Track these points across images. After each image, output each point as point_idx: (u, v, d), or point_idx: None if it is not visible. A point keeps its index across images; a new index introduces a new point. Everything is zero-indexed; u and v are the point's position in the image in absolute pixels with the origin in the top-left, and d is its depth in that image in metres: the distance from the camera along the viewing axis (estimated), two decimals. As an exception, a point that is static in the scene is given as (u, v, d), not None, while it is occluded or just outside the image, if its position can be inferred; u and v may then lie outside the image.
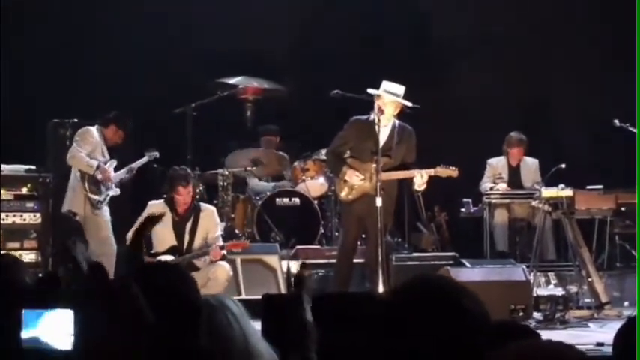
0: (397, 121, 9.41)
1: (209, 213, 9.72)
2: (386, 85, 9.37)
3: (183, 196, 9.55)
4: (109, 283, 2.91)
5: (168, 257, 9.35)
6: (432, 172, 9.41)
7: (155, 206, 9.62)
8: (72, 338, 2.82)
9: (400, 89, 9.37)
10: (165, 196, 9.80)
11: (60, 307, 2.86)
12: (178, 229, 9.55)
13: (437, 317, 2.35)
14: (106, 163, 10.58)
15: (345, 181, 9.46)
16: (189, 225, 9.57)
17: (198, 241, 9.53)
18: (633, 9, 12.07)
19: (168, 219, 9.50)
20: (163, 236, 9.49)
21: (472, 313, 2.37)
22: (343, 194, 9.53)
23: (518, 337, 2.87)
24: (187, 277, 3.15)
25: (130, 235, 8.65)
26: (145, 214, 9.64)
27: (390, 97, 9.28)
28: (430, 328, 2.33)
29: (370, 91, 9.38)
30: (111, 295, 2.81)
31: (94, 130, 10.65)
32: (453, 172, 9.48)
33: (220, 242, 9.52)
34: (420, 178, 9.30)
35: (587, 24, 12.90)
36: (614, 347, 2.59)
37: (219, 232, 9.83)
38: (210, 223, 9.64)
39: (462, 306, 2.38)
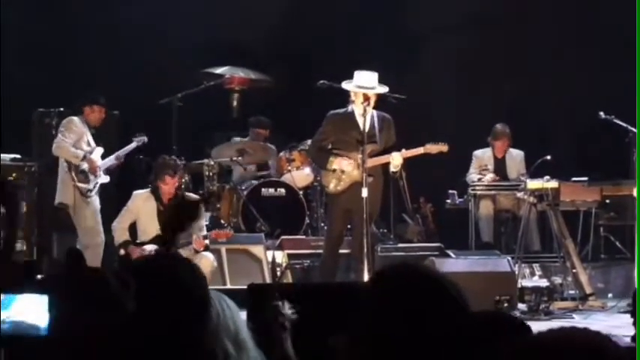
0: (374, 111, 9.40)
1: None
2: (357, 77, 9.37)
3: (169, 185, 9.55)
4: (85, 270, 2.91)
5: (153, 247, 9.35)
6: (420, 150, 9.46)
7: (140, 196, 9.62)
8: (46, 323, 2.82)
9: (372, 77, 9.37)
10: (150, 185, 9.78)
11: (36, 292, 2.86)
12: (163, 219, 9.53)
13: (412, 304, 2.35)
14: (92, 152, 10.57)
15: (334, 170, 9.43)
16: (174, 214, 9.55)
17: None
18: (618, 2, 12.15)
19: (153, 208, 9.49)
20: (148, 225, 9.49)
21: (448, 300, 2.37)
22: (332, 186, 9.50)
23: (508, 329, 2.87)
24: (199, 271, 3.13)
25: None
26: (129, 204, 9.65)
27: (364, 92, 9.29)
28: (407, 316, 2.33)
29: (344, 86, 9.40)
30: (86, 283, 2.81)
31: (77, 119, 10.63)
32: (442, 147, 9.50)
33: (205, 232, 9.52)
34: (396, 159, 9.32)
35: (573, 16, 12.90)
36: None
37: (204, 222, 9.82)
38: (195, 212, 9.62)
39: (439, 292, 2.38)
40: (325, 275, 9.40)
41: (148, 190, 9.69)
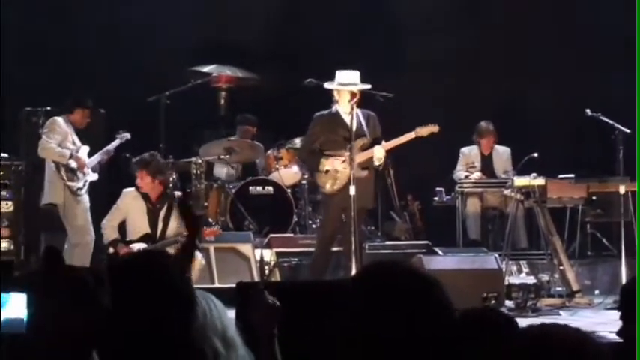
0: (358, 109, 9.42)
1: (182, 201, 9.73)
2: (339, 76, 9.40)
3: (144, 182, 9.55)
4: (62, 268, 2.92)
5: (142, 245, 9.36)
6: (412, 135, 9.50)
7: (129, 194, 9.63)
8: (25, 321, 2.83)
9: (354, 75, 9.40)
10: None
11: (15, 290, 2.87)
12: (152, 217, 9.55)
13: (395, 302, 2.36)
14: (77, 151, 10.56)
15: (327, 171, 9.45)
16: (162, 213, 9.58)
17: (171, 229, 9.54)
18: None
19: (142, 207, 9.50)
20: (137, 224, 9.50)
21: (430, 298, 2.38)
22: (328, 186, 9.50)
23: (495, 325, 2.89)
24: (177, 266, 3.16)
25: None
26: (119, 202, 9.65)
27: (346, 89, 9.33)
28: (389, 313, 2.34)
29: (327, 85, 9.42)
30: (62, 280, 2.83)
31: (60, 119, 10.61)
32: (433, 127, 9.53)
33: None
34: (378, 152, 9.35)
35: (559, 15, 12.94)
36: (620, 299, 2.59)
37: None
38: (184, 210, 9.63)
39: (424, 290, 2.39)
40: (316, 273, 9.42)
41: (136, 188, 9.70)
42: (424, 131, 9.51)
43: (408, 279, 2.42)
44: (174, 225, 9.54)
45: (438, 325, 2.34)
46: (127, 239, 9.54)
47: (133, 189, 9.72)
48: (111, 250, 9.51)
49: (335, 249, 9.82)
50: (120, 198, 9.66)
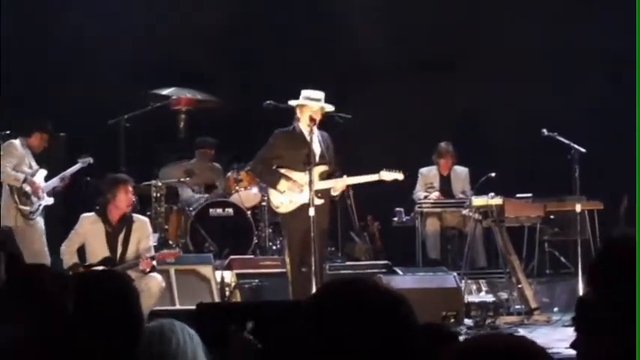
0: (316, 130, 9.46)
1: (142, 224, 9.70)
2: (304, 93, 9.45)
3: (128, 195, 9.53)
4: (22, 270, 2.95)
5: (102, 269, 9.32)
6: (375, 177, 9.50)
7: (87, 219, 9.59)
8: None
9: (320, 95, 9.46)
10: (97, 207, 9.78)
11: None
12: (111, 240, 9.51)
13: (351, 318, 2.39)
14: (34, 175, 10.53)
15: (283, 192, 9.45)
16: (121, 236, 9.54)
17: (131, 252, 9.51)
18: (569, 13, 12.34)
19: (100, 230, 9.47)
20: (96, 248, 9.46)
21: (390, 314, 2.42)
22: (282, 208, 9.52)
23: (445, 339, 2.94)
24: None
25: None
26: (77, 227, 9.61)
27: (314, 104, 9.36)
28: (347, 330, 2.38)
29: (292, 102, 9.47)
30: (24, 289, 2.86)
31: (17, 142, 10.58)
32: (398, 174, 9.55)
33: (152, 253, 9.51)
34: (339, 185, 9.40)
35: (515, 29, 13.06)
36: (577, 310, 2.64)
37: (152, 242, 9.81)
38: (143, 233, 9.62)
39: (388, 306, 2.43)
40: (298, 294, 9.25)
41: (95, 212, 9.67)
42: (388, 176, 9.51)
43: (373, 295, 2.45)
44: (134, 248, 9.52)
45: (403, 340, 2.38)
46: (87, 263, 9.50)
47: (91, 213, 9.68)
48: (70, 274, 9.47)
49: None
50: (78, 223, 9.62)
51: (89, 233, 9.53)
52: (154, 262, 9.42)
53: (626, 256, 2.43)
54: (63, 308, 2.84)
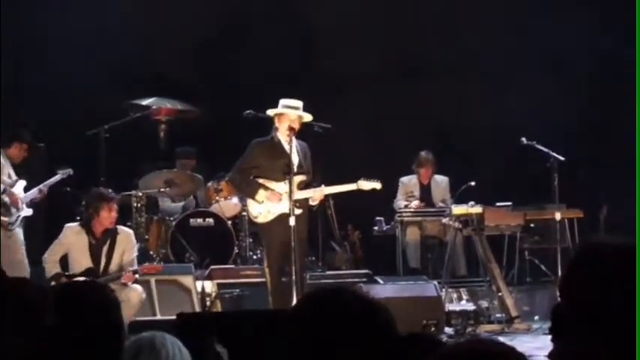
0: (295, 140, 9.46)
1: (126, 235, 9.70)
2: (283, 102, 9.47)
3: (112, 213, 9.51)
4: (3, 289, 2.96)
5: (84, 279, 9.29)
6: (353, 186, 9.51)
7: (71, 229, 9.57)
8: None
9: (298, 104, 9.48)
10: (80, 218, 9.76)
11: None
12: (95, 252, 9.49)
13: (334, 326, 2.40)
14: (12, 185, 10.50)
15: (262, 202, 9.45)
16: (105, 248, 9.52)
17: (114, 264, 9.49)
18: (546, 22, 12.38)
19: (84, 242, 9.45)
20: (79, 259, 9.44)
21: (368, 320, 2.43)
22: (261, 217, 9.52)
23: (429, 348, 2.94)
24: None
25: None
26: (61, 237, 9.58)
27: (292, 112, 9.38)
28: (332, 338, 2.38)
29: (270, 111, 9.48)
30: (4, 302, 2.87)
31: (-5, 154, 10.57)
32: (376, 184, 9.56)
33: (135, 266, 9.49)
34: (318, 194, 9.42)
35: (496, 37, 13.10)
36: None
37: (135, 254, 9.80)
38: (128, 245, 9.61)
39: (369, 315, 2.43)
40: (278, 304, 9.24)
41: (79, 223, 9.65)
42: (366, 185, 9.52)
43: (354, 304, 2.46)
44: (118, 260, 9.51)
45: (383, 348, 2.39)
46: (69, 273, 9.48)
47: (75, 224, 9.66)
48: (53, 284, 9.44)
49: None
50: (62, 232, 9.60)
51: (73, 244, 9.51)
52: (137, 276, 9.42)
53: (597, 265, 2.42)
54: (43, 320, 2.85)
